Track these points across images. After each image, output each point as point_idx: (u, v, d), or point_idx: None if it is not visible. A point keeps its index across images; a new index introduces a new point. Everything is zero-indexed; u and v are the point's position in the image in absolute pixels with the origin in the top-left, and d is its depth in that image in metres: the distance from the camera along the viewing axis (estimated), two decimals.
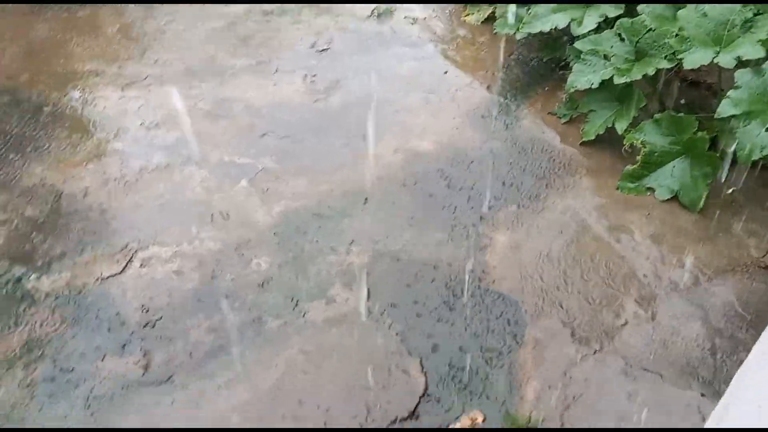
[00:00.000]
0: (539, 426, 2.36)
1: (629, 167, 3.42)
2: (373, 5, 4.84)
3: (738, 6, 3.30)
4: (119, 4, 4.84)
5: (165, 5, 4.82)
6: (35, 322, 2.67)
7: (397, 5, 4.87)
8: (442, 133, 3.81)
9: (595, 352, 2.66)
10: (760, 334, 2.59)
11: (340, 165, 3.57)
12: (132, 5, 4.82)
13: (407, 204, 3.34)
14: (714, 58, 3.23)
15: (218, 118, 3.87)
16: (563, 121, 3.86)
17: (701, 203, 3.26)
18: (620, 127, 3.52)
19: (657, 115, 3.41)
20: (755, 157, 2.97)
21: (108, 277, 2.88)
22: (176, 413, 2.37)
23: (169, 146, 3.63)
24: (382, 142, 3.74)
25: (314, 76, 4.21)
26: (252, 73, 4.23)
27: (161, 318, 2.70)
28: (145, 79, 4.11)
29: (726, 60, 3.18)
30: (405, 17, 4.78)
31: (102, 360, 2.54)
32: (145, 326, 2.67)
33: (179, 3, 4.83)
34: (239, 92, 4.06)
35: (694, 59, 3.28)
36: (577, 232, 3.19)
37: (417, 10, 4.86)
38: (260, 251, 3.06)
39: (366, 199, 3.36)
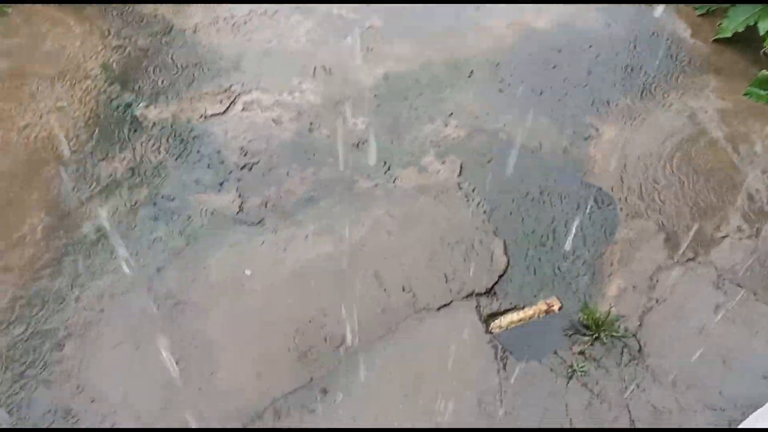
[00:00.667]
0: (616, 322, 2.32)
1: (764, 72, 3.08)
2: None
3: None
4: None
5: None
6: (141, 149, 2.76)
7: None
8: (562, 9, 3.52)
9: (687, 260, 2.54)
10: None
11: (448, 32, 3.39)
12: None
13: (513, 82, 3.17)
14: None
15: None
16: (699, 13, 3.48)
17: None
18: (763, 26, 3.14)
19: None
20: None
21: (211, 116, 2.91)
22: (264, 254, 2.45)
23: None
24: (495, 13, 3.50)
25: None
26: None
27: (258, 162, 2.74)
28: None
29: None
30: None
31: (201, 194, 2.62)
32: (242, 168, 2.72)
33: None
34: None
35: None
36: (691, 135, 2.96)
37: None
38: (359, 111, 3.01)
39: (471, 71, 3.21)
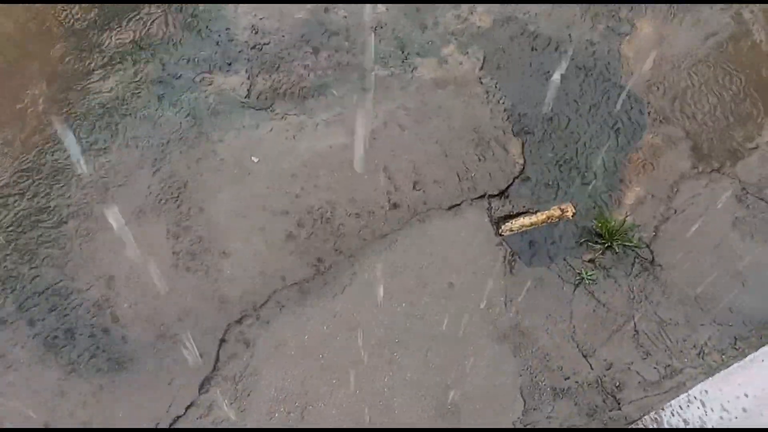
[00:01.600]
0: (629, 233, 2.24)
1: None
2: None
3: None
4: None
5: None
6: (149, 21, 2.58)
7: None
8: None
9: (712, 171, 2.41)
10: None
11: None
12: None
13: None
14: None
15: None
16: None
17: None
18: None
19: None
20: None
21: None
22: (273, 140, 2.34)
23: None
24: None
25: None
26: None
27: (269, 43, 2.57)
28: None
29: None
30: None
31: (208, 73, 2.48)
32: (253, 48, 2.55)
33: None
34: None
35: None
36: (734, 35, 2.72)
37: None
38: None
39: None
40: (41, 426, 1.92)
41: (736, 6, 2.80)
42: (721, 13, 2.78)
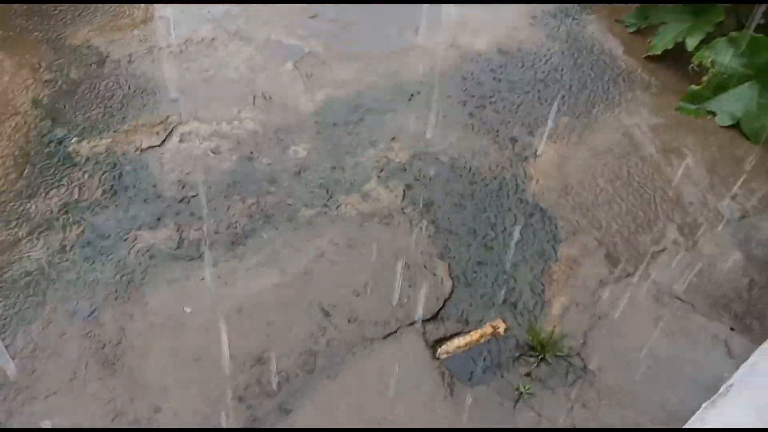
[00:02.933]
0: (559, 343, 2.34)
1: (693, 87, 3.18)
2: None
3: None
4: None
5: None
6: (75, 186, 2.67)
7: None
8: (500, 30, 3.58)
9: (627, 275, 2.59)
10: None
11: (389, 55, 3.40)
12: None
13: (455, 104, 3.19)
14: None
15: None
16: (630, 30, 3.58)
17: (764, 135, 3.04)
18: (691, 43, 3.25)
19: (733, 33, 3.12)
20: None
21: (147, 148, 2.85)
22: (206, 290, 2.39)
23: (217, 18, 3.49)
24: (435, 35, 3.53)
25: None
26: None
27: (196, 195, 2.69)
28: None
29: None
30: None
31: (137, 230, 2.55)
32: (180, 201, 2.66)
33: None
34: None
35: None
36: (627, 152, 3.03)
37: None
38: (299, 138, 2.98)
39: (412, 94, 3.22)
40: None
41: (626, 125, 3.13)
42: (612, 133, 3.10)
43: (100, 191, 2.66)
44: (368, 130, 3.04)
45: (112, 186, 2.69)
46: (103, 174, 2.73)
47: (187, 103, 3.05)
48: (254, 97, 3.12)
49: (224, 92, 3.12)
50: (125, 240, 2.51)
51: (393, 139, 3.02)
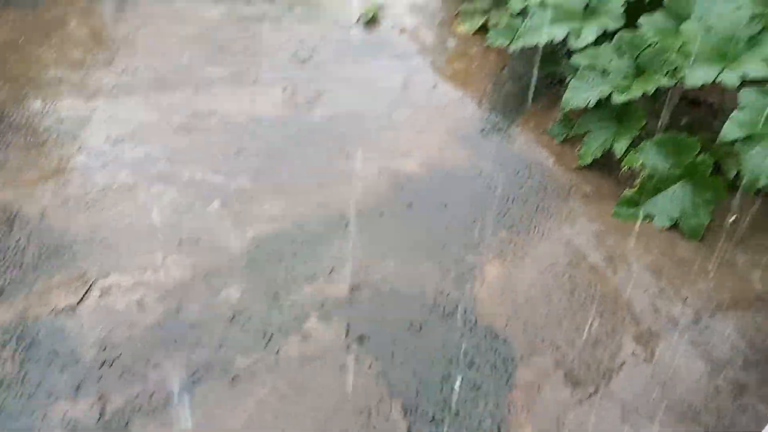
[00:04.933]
0: None
1: (627, 192, 3.33)
2: (359, 12, 4.73)
3: (745, 19, 3.23)
4: (90, 5, 4.72)
5: (137, 7, 4.69)
6: None
7: (385, 12, 4.77)
8: (430, 151, 3.71)
9: (590, 396, 2.56)
10: (765, 376, 2.51)
11: (320, 185, 3.46)
12: (102, 6, 4.69)
13: (390, 229, 3.23)
14: (718, 75, 3.16)
15: (191, 131, 3.75)
16: (558, 141, 3.77)
17: (702, 232, 3.18)
18: (619, 148, 3.44)
19: (657, 136, 3.33)
20: (761, 185, 2.89)
21: (64, 309, 2.74)
22: None
23: (137, 162, 3.50)
24: (366, 160, 3.63)
25: (295, 87, 4.10)
26: (229, 84, 4.12)
27: (120, 356, 2.57)
28: (113, 88, 3.99)
29: (730, 78, 3.11)
30: (393, 26, 4.69)
31: (54, 404, 2.40)
32: (102, 365, 2.53)
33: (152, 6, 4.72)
34: (215, 104, 3.94)
35: (697, 76, 3.22)
36: (572, 263, 3.10)
37: (406, 18, 4.77)
38: (231, 280, 2.94)
39: (347, 223, 3.25)
40: None
41: (566, 236, 3.22)
42: (554, 245, 3.18)
43: (10, 364, 2.52)
44: (304, 265, 3.02)
45: (24, 356, 2.55)
46: (14, 344, 2.59)
47: (106, 255, 2.99)
48: (180, 241, 3.09)
49: (147, 239, 3.08)
50: (40, 419, 2.35)
51: (331, 271, 3.01)
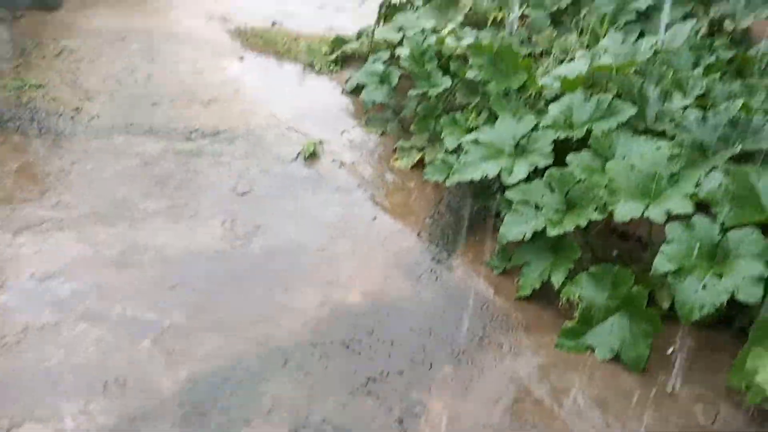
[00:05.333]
0: None
1: (567, 323, 3.36)
2: (299, 147, 4.84)
3: (665, 159, 3.45)
4: (23, 140, 4.67)
5: (73, 142, 4.68)
6: None
7: (325, 147, 4.90)
8: (370, 284, 3.70)
9: None
10: None
11: (258, 320, 3.36)
12: (36, 141, 4.66)
13: (332, 365, 3.13)
14: (644, 211, 3.32)
15: (124, 267, 3.64)
16: (497, 272, 3.83)
17: (644, 363, 3.20)
18: (556, 280, 3.50)
19: (592, 268, 3.43)
20: (695, 317, 2.97)
21: None
22: None
23: (63, 300, 3.34)
24: (306, 294, 3.58)
25: (234, 221, 4.08)
26: (166, 218, 4.07)
27: None
28: (43, 223, 3.87)
29: (656, 213, 3.28)
30: (333, 161, 4.81)
31: None
32: None
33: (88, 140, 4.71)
34: (150, 239, 3.87)
35: (625, 211, 3.37)
36: (517, 397, 3.05)
37: (345, 153, 4.90)
38: (161, 426, 2.75)
39: (286, 360, 3.14)
40: None
41: (510, 369, 3.19)
42: (498, 379, 3.14)
43: None
44: (240, 407, 2.87)
45: None
46: None
47: (21, 403, 2.77)
48: (105, 384, 2.90)
49: (69, 383, 2.89)
50: None
51: (269, 412, 2.87)
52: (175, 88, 5.44)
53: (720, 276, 3.01)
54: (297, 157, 4.78)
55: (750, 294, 2.91)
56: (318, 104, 5.56)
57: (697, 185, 3.33)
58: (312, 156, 4.78)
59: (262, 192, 4.41)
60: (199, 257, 3.79)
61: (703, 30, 5.27)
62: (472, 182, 4.07)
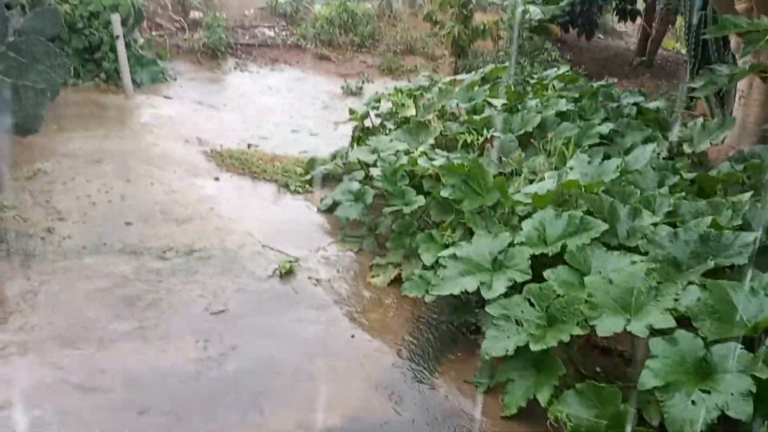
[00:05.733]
0: None
1: None
2: (275, 264, 4.79)
3: (641, 274, 3.49)
4: None
5: (43, 263, 4.55)
6: None
7: (301, 264, 4.86)
8: (350, 405, 3.54)
9: None
10: None
11: None
12: (4, 262, 4.52)
13: None
14: (626, 325, 3.30)
15: (90, 391, 3.44)
16: (481, 390, 3.71)
17: None
18: (543, 398, 3.41)
19: (579, 386, 3.34)
20: None
21: None
22: None
23: (24, 430, 3.12)
24: (282, 416, 3.41)
25: (207, 341, 3.94)
26: (135, 339, 3.91)
27: None
28: (4, 348, 3.68)
29: (638, 328, 3.26)
30: (309, 278, 4.75)
31: None
32: None
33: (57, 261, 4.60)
34: (118, 361, 3.69)
35: (607, 326, 3.35)
36: None
37: (321, 270, 4.86)
38: None
39: None
40: None
41: None
42: None
43: None
44: None
45: None
46: None
47: None
48: None
49: None
50: None
51: None
52: (150, 208, 5.41)
53: (708, 391, 2.96)
54: (273, 275, 4.72)
55: (741, 410, 2.84)
56: (293, 222, 5.58)
57: (676, 299, 3.35)
58: (288, 273, 4.73)
59: (237, 311, 4.30)
60: (170, 379, 3.61)
61: (664, 152, 5.55)
62: (451, 297, 4.04)
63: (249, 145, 7.13)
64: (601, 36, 14.82)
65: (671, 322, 3.22)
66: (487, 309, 3.77)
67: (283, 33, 11.66)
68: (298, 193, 6.09)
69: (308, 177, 6.29)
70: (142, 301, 4.29)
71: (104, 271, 4.56)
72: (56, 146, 6.36)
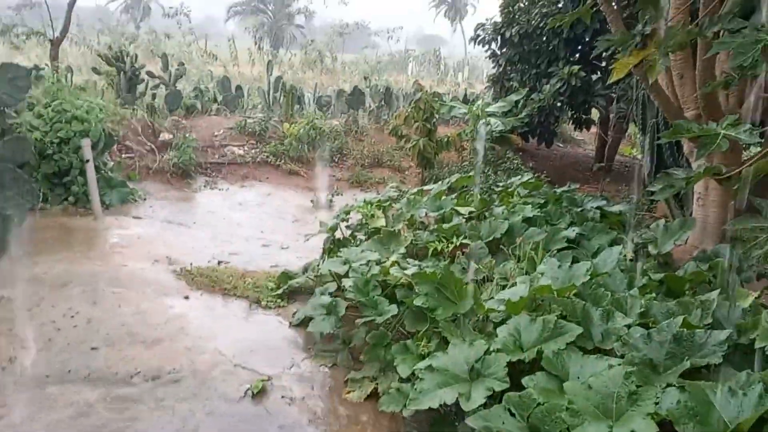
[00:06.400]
0: None
1: None
2: (247, 384, 4.63)
3: (620, 378, 3.44)
4: None
5: (2, 395, 4.34)
6: None
7: (273, 383, 4.71)
8: None
9: None
10: None
11: None
12: None
13: None
14: None
15: None
16: None
17: None
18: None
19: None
20: None
21: None
22: None
23: None
24: None
25: None
26: None
27: None
28: None
29: None
30: (282, 397, 4.59)
31: None
32: None
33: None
34: None
35: None
36: None
37: (295, 388, 4.71)
38: None
39: None
40: None
41: None
42: None
43: None
44: None
45: None
46: None
47: None
48: None
49: None
50: None
51: None
52: (117, 331, 5.26)
53: None
54: (245, 396, 4.55)
55: None
56: (265, 339, 5.45)
57: (656, 403, 3.29)
58: (260, 393, 4.57)
59: None
60: None
61: (630, 254, 5.64)
62: (430, 410, 3.92)
63: (219, 262, 7.09)
64: (560, 144, 15.46)
65: (654, 428, 3.15)
66: (467, 422, 3.66)
67: (253, 151, 11.93)
68: (270, 308, 6.00)
69: (280, 291, 6.23)
70: (106, 430, 4.08)
71: (68, 401, 4.35)
72: (21, 271, 6.24)
